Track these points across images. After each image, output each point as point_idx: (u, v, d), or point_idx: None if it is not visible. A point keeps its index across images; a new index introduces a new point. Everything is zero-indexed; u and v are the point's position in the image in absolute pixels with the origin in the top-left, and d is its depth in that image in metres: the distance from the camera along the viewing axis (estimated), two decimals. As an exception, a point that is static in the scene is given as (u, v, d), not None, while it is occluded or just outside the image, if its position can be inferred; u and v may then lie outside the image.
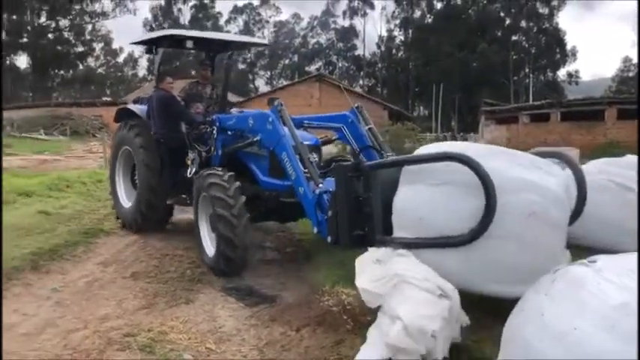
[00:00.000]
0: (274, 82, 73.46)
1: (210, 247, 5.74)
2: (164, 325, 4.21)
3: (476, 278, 3.67)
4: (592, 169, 6.96)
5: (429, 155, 3.93)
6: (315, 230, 4.83)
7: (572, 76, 67.44)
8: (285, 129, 5.39)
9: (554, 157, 4.57)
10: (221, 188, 5.45)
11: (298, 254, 6.48)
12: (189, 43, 6.99)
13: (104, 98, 48.17)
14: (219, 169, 5.81)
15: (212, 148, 6.47)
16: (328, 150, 8.24)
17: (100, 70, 71.92)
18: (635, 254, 2.76)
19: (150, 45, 7.68)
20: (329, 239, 4.50)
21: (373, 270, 3.75)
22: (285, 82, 61.40)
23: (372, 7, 73.34)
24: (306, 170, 5.01)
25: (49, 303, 4.71)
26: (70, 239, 6.62)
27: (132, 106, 7.73)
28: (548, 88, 60.15)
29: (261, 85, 76.96)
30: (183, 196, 6.94)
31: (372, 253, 3.91)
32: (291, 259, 6.26)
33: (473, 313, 4.12)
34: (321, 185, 4.78)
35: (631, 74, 69.62)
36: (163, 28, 71.59)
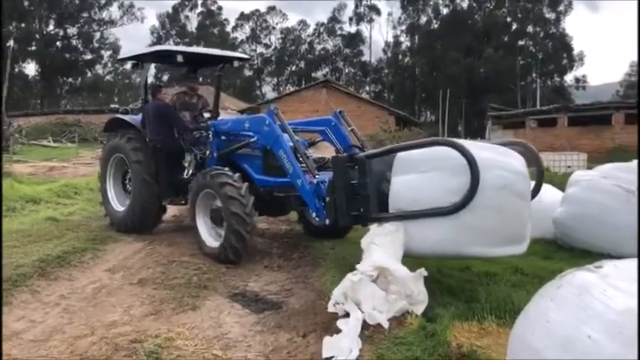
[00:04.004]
0: (281, 89, 73.64)
1: (209, 238, 6.42)
2: (171, 331, 4.22)
3: (461, 243, 4.39)
4: (599, 173, 6.94)
5: (421, 142, 4.76)
6: (314, 215, 5.69)
7: (580, 81, 67.27)
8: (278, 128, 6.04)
9: (516, 145, 5.31)
10: (234, 188, 6.02)
11: (304, 260, 6.48)
12: (179, 58, 7.33)
13: (112, 105, 48.45)
14: (226, 169, 6.35)
15: (207, 151, 7.03)
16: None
17: (107, 78, 72.38)
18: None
19: (137, 61, 8.14)
20: (327, 221, 5.38)
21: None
22: (292, 89, 61.56)
23: (378, 13, 73.62)
24: (303, 165, 5.75)
25: (57, 309, 4.73)
26: (78, 246, 6.65)
27: (124, 116, 8.12)
28: (555, 94, 59.89)
29: (269, 91, 77.25)
30: (179, 196, 7.48)
31: (367, 237, 4.66)
32: (298, 265, 6.27)
33: (478, 319, 4.15)
34: (317, 176, 5.55)
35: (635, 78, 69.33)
36: (171, 35, 72.18)
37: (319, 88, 38.59)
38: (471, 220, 4.27)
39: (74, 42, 65.88)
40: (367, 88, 74.79)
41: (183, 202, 7.40)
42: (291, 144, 5.93)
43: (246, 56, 9.83)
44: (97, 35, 66.92)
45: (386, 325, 3.98)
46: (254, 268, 6.06)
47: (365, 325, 4.00)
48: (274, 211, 7.30)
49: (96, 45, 67.32)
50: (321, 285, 5.31)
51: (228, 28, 77.50)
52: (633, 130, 24.28)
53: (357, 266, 4.36)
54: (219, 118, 7.53)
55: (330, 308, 4.32)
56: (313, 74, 73.79)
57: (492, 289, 4.90)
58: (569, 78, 67.10)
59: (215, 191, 6.21)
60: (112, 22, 66.18)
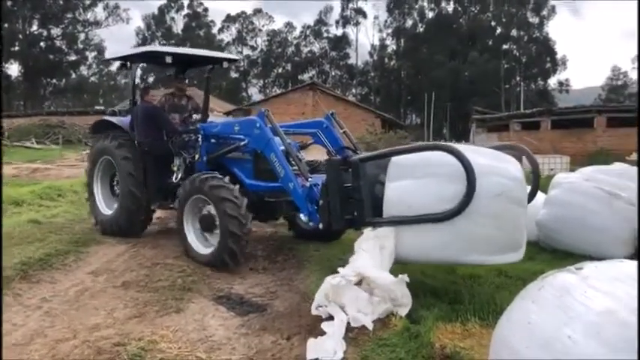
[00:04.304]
0: (267, 91, 73.64)
1: (198, 244, 6.27)
2: (155, 334, 4.19)
3: (458, 250, 4.35)
4: (582, 176, 7.03)
5: (418, 146, 4.83)
6: (306, 219, 5.61)
7: (563, 85, 68.16)
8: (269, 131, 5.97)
9: (512, 149, 5.35)
10: (227, 191, 5.92)
11: (289, 263, 6.47)
12: (168, 59, 7.23)
13: (97, 107, 48.07)
14: (216, 173, 6.22)
15: (197, 155, 6.89)
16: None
17: (92, 79, 71.79)
18: (621, 261, 2.80)
19: (124, 61, 7.99)
20: (320, 225, 5.30)
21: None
22: (278, 91, 61.57)
23: (364, 16, 73.95)
24: (295, 167, 5.70)
25: (38, 313, 4.67)
26: (61, 248, 6.58)
27: (112, 118, 7.99)
28: (539, 97, 60.64)
29: (255, 93, 77.15)
30: (167, 200, 7.32)
31: (358, 241, 4.65)
32: (282, 268, 6.26)
33: (462, 320, 4.19)
34: (310, 179, 5.49)
35: (620, 82, 70.40)
36: (156, 36, 71.81)
37: (306, 90, 38.61)
38: (467, 228, 4.24)
39: (58, 43, 65.32)
40: (353, 90, 75.06)
41: (172, 206, 7.25)
42: (282, 147, 5.87)
43: (235, 57, 9.75)
44: (82, 36, 66.44)
45: (370, 326, 4.01)
46: (239, 271, 6.02)
47: (349, 327, 4.02)
48: (265, 216, 7.11)
49: (80, 46, 66.85)
50: (305, 287, 5.31)
51: (215, 30, 77.47)
52: (615, 133, 24.66)
53: (340, 269, 4.37)
54: (208, 121, 7.47)
55: (313, 311, 4.34)
56: (300, 77, 73.90)
57: (476, 291, 4.95)
58: (552, 82, 68.09)
59: (208, 197, 6.05)
60: (96, 23, 65.82)
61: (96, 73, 72.23)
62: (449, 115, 52.41)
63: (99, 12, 65.28)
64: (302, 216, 7.32)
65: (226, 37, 77.89)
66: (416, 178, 4.47)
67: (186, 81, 8.39)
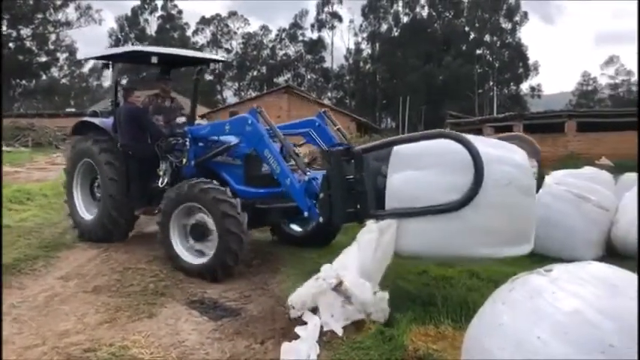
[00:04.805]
0: (242, 94, 73.32)
1: (185, 253, 6.00)
2: (126, 339, 4.13)
3: (465, 243, 4.16)
4: (552, 179, 7.17)
5: (422, 134, 4.54)
6: (306, 214, 5.35)
7: (535, 90, 69.51)
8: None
9: (514, 139, 4.96)
10: (220, 192, 5.70)
11: (264, 266, 6.44)
12: (154, 59, 7.04)
13: (68, 109, 47.25)
14: (215, 182, 5.95)
15: (184, 159, 6.59)
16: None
17: (64, 81, 70.52)
18: (589, 263, 2.84)
19: (107, 60, 7.77)
20: (320, 219, 5.09)
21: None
22: (253, 94, 61.40)
23: (340, 20, 74.22)
24: (292, 163, 5.59)
25: (7, 319, 4.55)
26: (30, 253, 6.45)
27: (94, 119, 7.69)
28: (511, 101, 61.62)
29: (229, 96, 76.77)
30: (152, 205, 6.95)
31: (360, 234, 4.47)
32: (257, 272, 6.22)
33: (435, 323, 4.22)
34: (309, 173, 5.36)
35: (590, 88, 72.05)
36: (130, 38, 70.98)
37: (281, 93, 38.61)
38: (476, 219, 4.05)
39: (28, 43, 64.00)
40: (329, 94, 75.25)
41: (156, 211, 6.77)
42: (279, 144, 5.73)
43: (222, 58, 9.57)
44: (53, 37, 65.23)
45: (340, 332, 3.99)
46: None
47: (323, 330, 4.02)
48: (255, 224, 6.62)
49: (51, 47, 65.60)
50: (280, 291, 5.29)
51: (189, 32, 76.87)
52: (585, 137, 25.14)
53: (323, 268, 4.33)
54: (195, 123, 7.27)
55: (293, 314, 4.30)
56: (275, 80, 73.78)
57: (449, 293, 4.99)
58: (524, 86, 69.39)
59: (200, 203, 5.78)
60: (68, 24, 64.62)
61: (67, 74, 71.02)
62: (423, 118, 52.90)
63: (70, 12, 64.22)
64: (293, 225, 7.29)
65: (201, 39, 77.52)
66: (420, 168, 4.28)
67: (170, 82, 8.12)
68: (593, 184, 6.81)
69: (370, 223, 4.46)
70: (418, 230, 4.24)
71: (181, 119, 7.44)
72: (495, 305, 2.77)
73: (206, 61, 7.83)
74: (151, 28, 75.06)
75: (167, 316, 4.72)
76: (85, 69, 71.98)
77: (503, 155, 4.30)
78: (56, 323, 4.49)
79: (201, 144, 6.65)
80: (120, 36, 72.80)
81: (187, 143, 6.57)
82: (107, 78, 71.06)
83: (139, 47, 8.00)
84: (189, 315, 4.78)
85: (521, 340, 2.45)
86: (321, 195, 4.98)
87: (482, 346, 2.66)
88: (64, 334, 4.24)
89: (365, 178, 4.67)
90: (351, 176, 4.78)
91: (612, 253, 7.03)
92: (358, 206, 4.71)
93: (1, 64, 26.61)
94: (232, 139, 6.32)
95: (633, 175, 8.07)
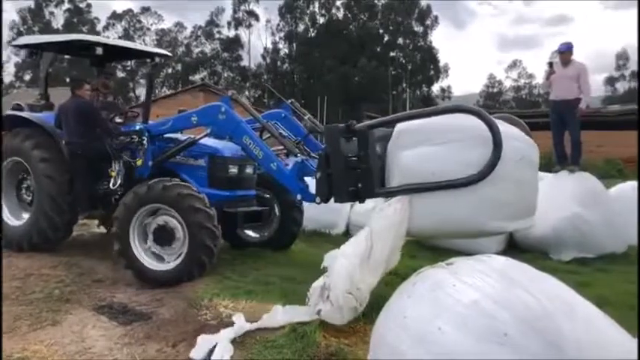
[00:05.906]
0: (156, 91, 71.20)
1: (147, 260, 5.60)
2: (26, 349, 3.92)
3: (481, 218, 4.13)
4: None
5: (442, 108, 4.39)
6: (299, 197, 5.28)
7: (445, 91, 72.43)
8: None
9: (506, 120, 4.98)
10: (197, 199, 5.41)
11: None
12: (99, 50, 6.54)
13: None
14: (190, 184, 5.68)
15: (141, 160, 6.15)
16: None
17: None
18: (489, 256, 3.01)
19: (37, 49, 7.19)
20: (317, 200, 4.94)
21: None
22: (167, 92, 59.78)
23: (257, 18, 73.64)
24: (281, 147, 5.56)
25: None
26: None
27: (25, 114, 6.92)
28: (423, 103, 63.78)
29: (142, 94, 74.18)
30: (98, 209, 6.58)
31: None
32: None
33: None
34: (298, 156, 5.23)
35: (495, 90, 76.28)
36: (33, 31, 66.90)
37: (196, 91, 37.84)
38: (491, 193, 4.02)
39: None
40: (247, 92, 74.58)
41: (103, 215, 6.41)
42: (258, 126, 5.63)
43: (169, 53, 8.96)
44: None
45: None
46: (123, 278, 5.78)
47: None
48: (224, 229, 6.13)
49: (-57, 39, 60.63)
50: (193, 293, 5.18)
51: (99, 27, 73.57)
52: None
53: (325, 257, 4.29)
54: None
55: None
56: (191, 77, 72.18)
57: (361, 289, 5.09)
58: (435, 88, 72.05)
59: (167, 204, 5.43)
60: (-37, 14, 60.01)
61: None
62: (341, 118, 53.64)
63: (-34, 2, 59.65)
64: (249, 231, 6.95)
65: (112, 34, 74.30)
66: (433, 144, 4.18)
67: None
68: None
69: (385, 207, 4.25)
70: (431, 208, 4.15)
71: (118, 120, 6.83)
72: (400, 298, 2.87)
73: (151, 55, 7.31)
74: (58, 22, 71.24)
75: (72, 322, 4.52)
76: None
77: (515, 132, 4.35)
78: (-53, 336, 4.18)
79: (159, 143, 6.23)
80: (22, 29, 68.48)
81: (144, 142, 6.10)
82: (9, 73, 66.82)
83: (83, 36, 7.41)
84: (96, 321, 4.60)
85: (424, 331, 2.54)
86: (319, 174, 4.78)
87: (386, 340, 2.74)
88: (-45, 347, 3.96)
89: (371, 155, 4.49)
90: (352, 154, 4.59)
91: (513, 245, 7.51)
92: (359, 185, 4.53)
93: (1, 64, 24.12)
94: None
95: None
